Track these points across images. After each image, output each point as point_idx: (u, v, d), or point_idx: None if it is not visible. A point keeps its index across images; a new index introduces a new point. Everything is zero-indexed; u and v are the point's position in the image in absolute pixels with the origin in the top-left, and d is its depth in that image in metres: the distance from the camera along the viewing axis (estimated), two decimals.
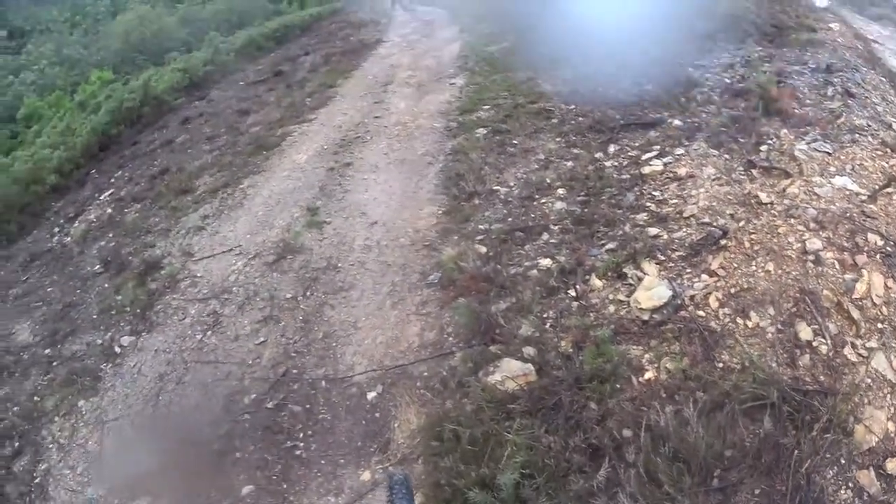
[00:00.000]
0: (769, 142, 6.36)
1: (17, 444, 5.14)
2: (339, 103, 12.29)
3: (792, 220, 4.89)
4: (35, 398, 5.62)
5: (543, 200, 6.45)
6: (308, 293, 5.94)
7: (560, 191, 6.54)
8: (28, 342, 6.54)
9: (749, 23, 12.16)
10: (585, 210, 6.01)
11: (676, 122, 7.49)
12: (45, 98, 20.18)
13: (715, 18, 12.80)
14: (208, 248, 7.22)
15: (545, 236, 5.78)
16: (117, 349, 5.86)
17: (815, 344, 3.98)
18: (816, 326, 4.05)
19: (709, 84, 8.63)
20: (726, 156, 6.29)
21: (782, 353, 3.93)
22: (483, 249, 5.76)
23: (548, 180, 6.82)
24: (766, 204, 5.18)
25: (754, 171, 5.80)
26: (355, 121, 10.73)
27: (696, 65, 9.54)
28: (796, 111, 7.11)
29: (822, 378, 3.82)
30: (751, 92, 7.65)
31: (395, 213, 7.08)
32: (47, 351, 6.27)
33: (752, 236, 4.78)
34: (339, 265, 6.25)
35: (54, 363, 6.08)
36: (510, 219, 6.25)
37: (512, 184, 7.03)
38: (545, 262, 5.33)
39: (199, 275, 6.70)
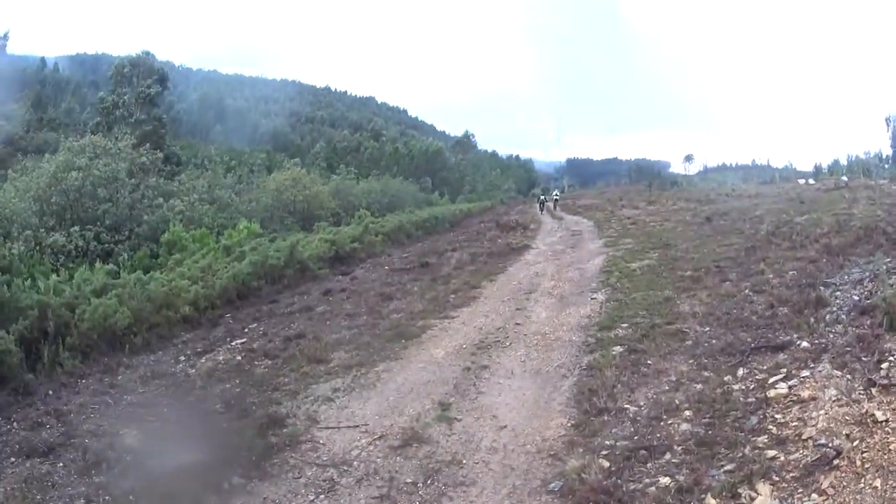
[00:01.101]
0: (890, 358, 6.38)
1: None
2: (482, 305, 12.94)
3: None
4: (130, 497, 5.79)
5: (670, 421, 6.58)
6: (429, 482, 6.06)
7: (687, 412, 6.67)
8: (133, 447, 6.77)
9: (880, 233, 12.33)
10: (709, 432, 6.12)
11: (804, 343, 7.63)
12: (190, 231, 21.35)
13: (849, 232, 13.04)
14: (334, 420, 7.52)
15: (668, 456, 5.88)
16: (225, 485, 5.99)
17: None
18: None
19: (838, 302, 8.77)
20: (848, 376, 6.33)
21: None
22: (606, 464, 5.90)
23: (676, 402, 6.97)
24: (881, 422, 5.21)
25: (873, 390, 5.82)
26: (496, 325, 11.22)
27: (827, 283, 9.75)
28: None
29: None
30: (877, 308, 7.75)
31: (525, 420, 7.29)
32: (150, 461, 6.46)
33: (864, 455, 4.82)
34: (464, 461, 6.40)
35: (156, 474, 6.18)
36: (636, 437, 6.38)
37: (642, 403, 7.20)
38: (664, 480, 5.42)
39: (321, 442, 6.94)
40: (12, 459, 6.51)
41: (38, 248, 19.77)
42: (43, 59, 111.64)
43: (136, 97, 50.58)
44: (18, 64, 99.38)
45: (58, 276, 13.15)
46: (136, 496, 5.88)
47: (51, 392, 8.39)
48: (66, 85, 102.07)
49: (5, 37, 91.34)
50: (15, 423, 7.39)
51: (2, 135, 50.17)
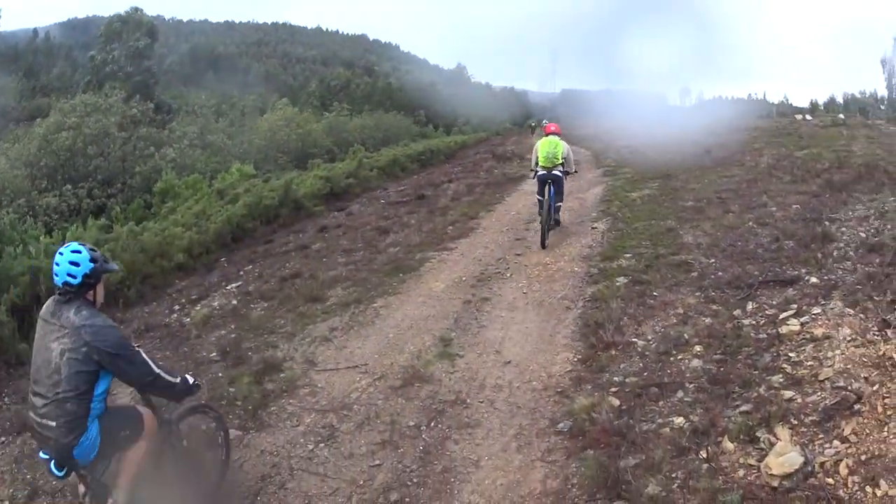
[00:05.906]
0: None
1: None
2: (481, 236, 12.78)
3: None
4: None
5: (680, 357, 6.45)
6: (432, 424, 5.92)
7: (697, 348, 6.54)
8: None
9: (881, 171, 12.20)
10: (721, 369, 6.00)
11: (813, 279, 7.54)
12: (182, 178, 21.08)
13: (850, 169, 12.89)
14: (332, 361, 7.33)
15: (680, 394, 5.75)
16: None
17: None
18: None
19: (844, 239, 8.69)
20: (861, 315, 6.26)
21: None
22: (616, 402, 5.78)
23: (685, 336, 6.83)
24: None
25: (888, 332, 5.73)
26: (496, 256, 11.07)
27: (832, 218, 9.62)
28: None
29: None
30: (885, 246, 7.68)
31: (529, 355, 7.15)
32: None
33: (886, 400, 4.70)
34: (468, 401, 6.25)
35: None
36: (646, 373, 6.26)
37: (650, 337, 7.08)
38: (678, 420, 5.31)
39: (319, 385, 6.75)
40: (2, 438, 6.17)
41: (31, 212, 19.84)
42: (35, 30, 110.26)
43: (126, 52, 51.67)
44: (10, 40, 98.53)
45: (50, 237, 12.80)
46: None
47: None
48: (58, 50, 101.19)
49: None
50: (6, 398, 7.05)
51: None
